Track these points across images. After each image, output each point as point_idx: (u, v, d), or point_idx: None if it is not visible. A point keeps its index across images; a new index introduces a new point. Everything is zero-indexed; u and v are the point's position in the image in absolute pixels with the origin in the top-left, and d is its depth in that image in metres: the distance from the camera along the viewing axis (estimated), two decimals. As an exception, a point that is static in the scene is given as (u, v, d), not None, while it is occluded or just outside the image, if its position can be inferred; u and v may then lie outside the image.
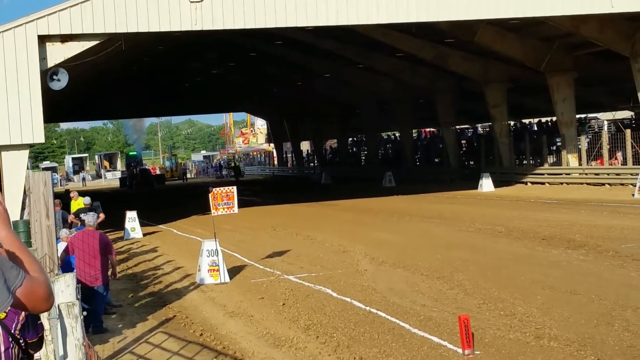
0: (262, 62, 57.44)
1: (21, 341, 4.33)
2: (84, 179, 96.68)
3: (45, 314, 8.30)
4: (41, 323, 4.86)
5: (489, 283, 15.20)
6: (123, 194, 64.59)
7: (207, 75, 64.34)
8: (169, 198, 55.91)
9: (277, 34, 41.37)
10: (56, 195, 20.03)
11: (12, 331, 4.36)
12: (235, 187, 19.09)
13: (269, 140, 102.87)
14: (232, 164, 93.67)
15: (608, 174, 37.25)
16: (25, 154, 25.92)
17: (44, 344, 7.10)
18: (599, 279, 14.99)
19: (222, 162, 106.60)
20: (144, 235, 29.54)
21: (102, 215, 22.24)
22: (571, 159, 40.15)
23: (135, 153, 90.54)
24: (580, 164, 39.44)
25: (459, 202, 35.87)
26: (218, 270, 17.81)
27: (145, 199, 53.14)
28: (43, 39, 25.82)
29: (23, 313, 4.63)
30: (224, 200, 18.56)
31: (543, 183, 41.00)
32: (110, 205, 32.81)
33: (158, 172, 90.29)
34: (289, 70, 60.59)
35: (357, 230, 26.22)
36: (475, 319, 11.90)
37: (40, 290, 3.40)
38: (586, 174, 38.45)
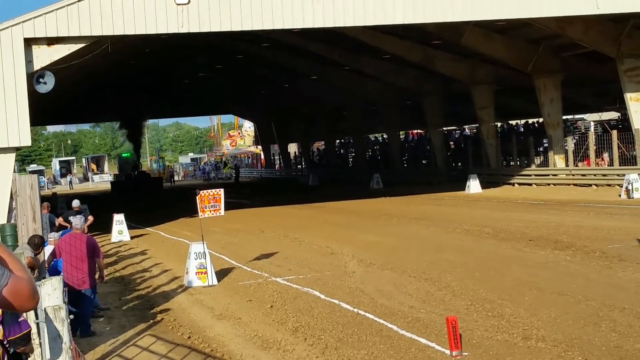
0: (250, 65, 57.39)
1: (6, 343, 4.32)
2: (71, 182, 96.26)
3: (32, 317, 8.27)
4: (23, 320, 4.85)
5: (477, 284, 15.23)
6: (110, 197, 64.18)
7: (195, 78, 64.27)
8: (157, 200, 55.70)
9: (264, 37, 41.38)
10: (43, 199, 19.98)
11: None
12: (222, 190, 19.07)
13: (256, 142, 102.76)
14: (229, 165, 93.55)
15: (595, 175, 37.37)
16: (11, 157, 25.84)
17: (30, 342, 7.07)
18: (586, 280, 15.05)
19: (214, 163, 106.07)
20: (132, 238, 29.46)
21: (90, 218, 22.22)
22: (558, 160, 40.28)
23: (129, 154, 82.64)
24: (567, 165, 39.57)
25: (447, 203, 35.93)
26: (206, 272, 17.78)
27: (132, 201, 52.91)
28: (29, 42, 25.74)
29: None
30: (210, 202, 18.55)
31: (530, 184, 41.10)
32: (98, 208, 32.68)
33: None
34: (276, 72, 60.56)
35: (345, 232, 26.23)
36: (463, 320, 11.93)
37: (25, 289, 3.42)
38: (573, 175, 38.57)
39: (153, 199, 55.08)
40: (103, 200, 55.65)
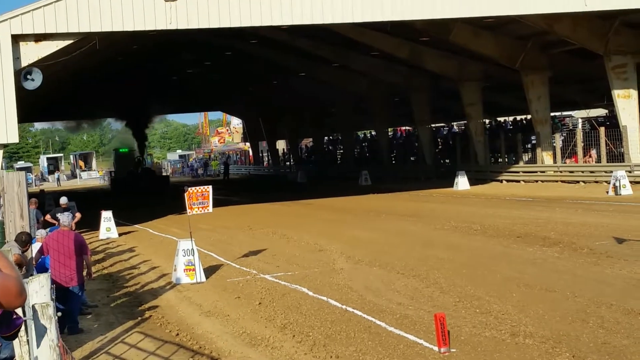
0: (238, 62, 57.29)
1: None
2: (58, 179, 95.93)
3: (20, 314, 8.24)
4: (17, 317, 4.84)
5: (465, 281, 15.26)
6: (98, 194, 63.93)
7: (183, 75, 64.12)
8: (145, 198, 55.56)
9: (253, 33, 41.31)
10: (31, 196, 19.92)
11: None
12: (210, 187, 19.03)
13: (244, 139, 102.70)
14: (215, 162, 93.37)
15: (582, 172, 37.47)
16: (-1, 154, 25.78)
17: (17, 337, 7.06)
18: (573, 276, 15.09)
19: (203, 160, 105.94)
20: (120, 235, 29.39)
21: (78, 215, 22.12)
22: (546, 157, 40.36)
23: (127, 150, 74.55)
24: (554, 162, 39.67)
25: (435, 200, 35.96)
26: (194, 269, 17.76)
27: (120, 198, 52.76)
28: (17, 39, 25.66)
29: None
30: (198, 199, 18.52)
31: (518, 181, 41.20)
32: (85, 205, 32.57)
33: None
34: (265, 69, 60.46)
35: (333, 229, 26.22)
36: (451, 316, 11.94)
37: (13, 287, 3.42)
38: (561, 172, 38.68)
39: (159, 198, 51.50)
40: (91, 197, 55.44)
